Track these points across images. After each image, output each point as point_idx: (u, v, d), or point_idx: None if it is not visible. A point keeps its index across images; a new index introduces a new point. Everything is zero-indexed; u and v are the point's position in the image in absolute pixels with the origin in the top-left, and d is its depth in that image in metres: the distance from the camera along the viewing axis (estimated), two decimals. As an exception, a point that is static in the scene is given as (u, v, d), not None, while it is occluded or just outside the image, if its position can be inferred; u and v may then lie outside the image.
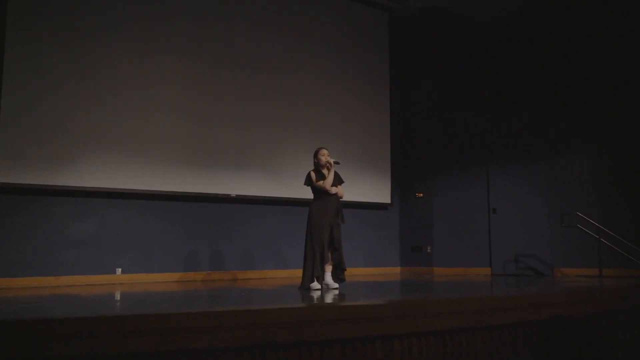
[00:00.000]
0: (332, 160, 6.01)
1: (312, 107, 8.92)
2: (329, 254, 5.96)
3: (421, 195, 9.94)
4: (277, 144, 8.46)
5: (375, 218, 9.70)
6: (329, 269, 6.02)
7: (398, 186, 10.18)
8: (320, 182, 5.96)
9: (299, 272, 8.53)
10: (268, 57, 8.49)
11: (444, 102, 9.98)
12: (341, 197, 6.15)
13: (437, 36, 10.15)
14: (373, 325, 3.04)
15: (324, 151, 6.10)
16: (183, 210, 7.67)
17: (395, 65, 10.31)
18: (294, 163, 8.55)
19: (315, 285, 5.87)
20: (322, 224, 5.91)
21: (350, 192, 8.71)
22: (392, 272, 9.92)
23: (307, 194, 8.67)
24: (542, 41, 9.50)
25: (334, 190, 6.03)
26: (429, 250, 9.73)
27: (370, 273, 9.04)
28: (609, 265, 8.55)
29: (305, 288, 5.87)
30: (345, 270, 6.07)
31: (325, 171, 6.08)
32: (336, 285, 5.96)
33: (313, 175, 6.01)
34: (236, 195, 7.94)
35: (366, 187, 9.21)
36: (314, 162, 6.13)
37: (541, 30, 9.49)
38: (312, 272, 5.88)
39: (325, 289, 5.89)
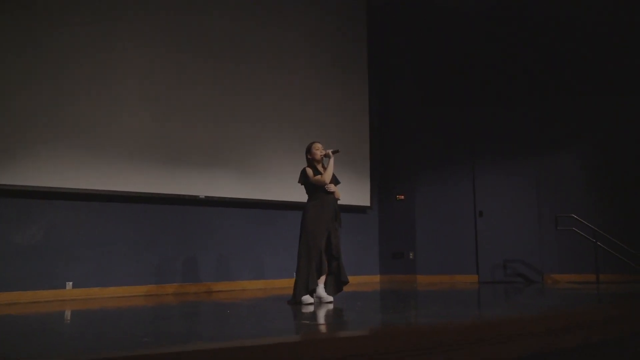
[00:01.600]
0: (330, 151, 5.29)
1: (288, 102, 8.09)
2: (326, 263, 5.17)
3: (402, 197, 9.26)
4: (250, 141, 7.57)
5: (353, 222, 8.92)
6: (322, 279, 5.25)
7: (378, 188, 9.47)
8: (318, 176, 5.21)
9: (277, 283, 7.73)
10: (242, 48, 7.60)
11: (426, 97, 9.37)
12: (338, 199, 5.43)
13: (419, 28, 9.54)
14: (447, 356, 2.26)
15: (319, 145, 5.42)
16: (145, 213, 6.65)
17: (375, 58, 9.63)
18: (269, 162, 7.71)
19: (308, 299, 5.09)
20: (318, 227, 5.16)
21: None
22: (371, 280, 9.18)
23: (285, 196, 7.85)
24: (531, 36, 9.06)
25: (332, 187, 5.29)
26: (411, 257, 9.05)
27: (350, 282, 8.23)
28: (603, 270, 8.12)
29: (296, 302, 5.06)
30: (347, 282, 5.31)
31: (320, 168, 5.36)
32: (330, 298, 5.21)
33: (309, 170, 5.24)
34: (205, 196, 7.00)
35: (344, 188, 8.36)
36: (307, 158, 5.42)
37: (531, 25, 9.03)
38: (307, 284, 5.08)
39: (317, 302, 5.10)
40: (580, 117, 8.91)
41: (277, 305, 5.36)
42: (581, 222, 8.18)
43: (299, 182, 5.34)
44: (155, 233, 6.68)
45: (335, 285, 5.34)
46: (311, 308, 4.83)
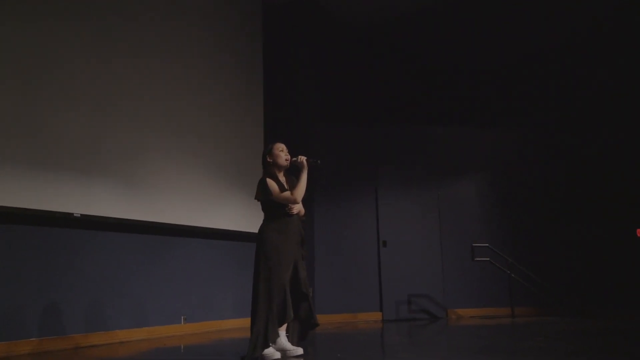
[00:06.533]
0: (304, 159, 4.03)
1: (180, 107, 6.48)
2: (291, 307, 3.81)
3: (299, 224, 8.10)
4: (137, 149, 5.79)
5: (244, 252, 7.30)
6: (283, 326, 3.93)
7: (271, 213, 8.14)
8: (287, 193, 3.90)
9: (163, 330, 5.86)
10: (123, 38, 5.82)
11: (327, 113, 8.43)
12: (303, 219, 4.16)
13: (317, 39, 8.64)
14: None
15: (282, 145, 4.10)
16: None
17: (271, 66, 8.36)
18: (161, 174, 6.01)
19: (273, 354, 3.70)
20: (284, 259, 3.88)
21: (212, 217, 6.45)
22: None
23: (177, 218, 6.02)
24: (436, 57, 8.75)
25: (296, 208, 4.02)
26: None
27: (240, 326, 6.78)
28: (507, 303, 7.89)
29: (254, 358, 3.62)
30: (318, 325, 4.02)
31: (282, 177, 4.05)
32: (300, 350, 3.89)
33: (272, 184, 3.89)
34: (81, 215, 5.08)
35: (232, 211, 6.98)
36: (266, 162, 4.05)
37: (438, 48, 8.73)
38: (267, 333, 3.69)
39: (282, 357, 3.82)
40: (482, 144, 8.79)
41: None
42: (494, 253, 7.91)
43: (256, 198, 3.95)
44: (7, 265, 4.57)
45: (301, 331, 4.04)
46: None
